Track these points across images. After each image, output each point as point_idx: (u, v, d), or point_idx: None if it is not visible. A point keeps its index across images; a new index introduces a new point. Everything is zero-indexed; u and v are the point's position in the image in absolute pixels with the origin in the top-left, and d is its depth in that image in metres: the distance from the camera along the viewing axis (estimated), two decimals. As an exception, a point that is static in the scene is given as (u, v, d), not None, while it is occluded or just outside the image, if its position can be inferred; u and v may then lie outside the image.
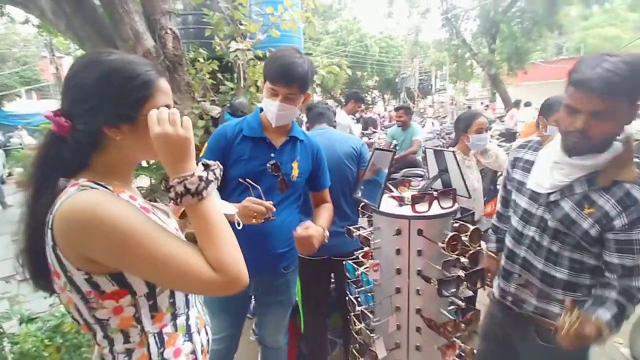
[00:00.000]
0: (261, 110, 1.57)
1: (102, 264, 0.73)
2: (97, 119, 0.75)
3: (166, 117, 0.75)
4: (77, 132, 0.75)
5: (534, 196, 1.21)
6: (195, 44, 4.38)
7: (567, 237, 1.13)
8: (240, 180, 1.44)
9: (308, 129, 2.44)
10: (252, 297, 1.76)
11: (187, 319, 0.89)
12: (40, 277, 0.79)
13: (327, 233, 1.46)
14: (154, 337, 0.82)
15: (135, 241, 0.70)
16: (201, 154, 1.59)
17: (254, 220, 1.28)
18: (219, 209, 0.79)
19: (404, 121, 4.74)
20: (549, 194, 1.16)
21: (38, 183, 0.76)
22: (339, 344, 2.41)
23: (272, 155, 1.50)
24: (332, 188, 1.76)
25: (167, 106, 0.79)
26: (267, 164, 1.45)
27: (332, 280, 2.16)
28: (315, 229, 1.38)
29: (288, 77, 1.39)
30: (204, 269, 0.73)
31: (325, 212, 1.63)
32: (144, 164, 2.94)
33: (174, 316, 0.86)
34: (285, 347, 1.87)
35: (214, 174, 0.79)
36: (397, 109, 4.89)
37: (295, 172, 1.54)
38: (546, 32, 16.51)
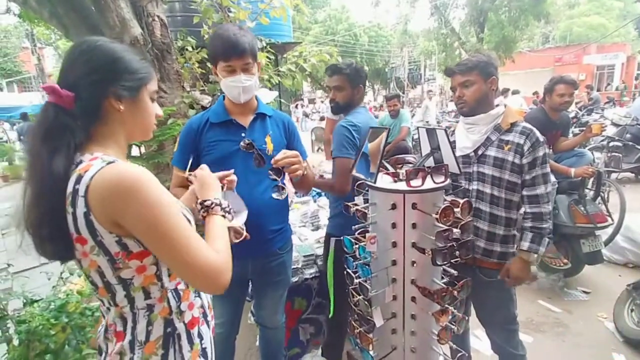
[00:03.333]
0: (223, 98, 1.58)
1: (126, 230, 0.80)
2: (105, 90, 0.84)
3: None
4: (82, 102, 0.82)
5: (466, 160, 1.60)
6: (184, 32, 4.31)
7: (501, 181, 1.53)
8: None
9: None
10: (249, 280, 1.79)
11: None
12: (59, 244, 0.83)
13: (314, 167, 1.47)
14: (172, 293, 0.91)
15: (164, 223, 0.79)
16: (174, 149, 1.61)
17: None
18: (223, 225, 0.97)
19: (396, 110, 4.79)
20: (475, 150, 1.57)
21: (49, 155, 0.79)
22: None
23: (243, 135, 1.52)
24: None
25: (156, 91, 0.96)
26: (241, 143, 1.45)
27: None
28: (290, 151, 1.41)
29: (239, 49, 1.41)
30: (205, 260, 0.82)
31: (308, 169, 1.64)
32: (136, 153, 2.93)
33: None
34: (283, 326, 1.91)
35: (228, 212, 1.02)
36: (389, 98, 4.90)
37: (270, 146, 1.55)
38: (533, 21, 16.63)
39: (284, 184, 1.61)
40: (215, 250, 0.86)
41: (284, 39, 6.18)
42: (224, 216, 0.99)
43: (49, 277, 1.57)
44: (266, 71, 5.15)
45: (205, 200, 1.00)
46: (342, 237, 1.90)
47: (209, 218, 0.97)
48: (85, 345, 1.41)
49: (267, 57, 5.16)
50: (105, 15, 3.21)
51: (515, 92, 10.48)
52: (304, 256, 2.20)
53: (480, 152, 1.56)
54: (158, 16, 3.47)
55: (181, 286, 0.93)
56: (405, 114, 5.05)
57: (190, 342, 0.93)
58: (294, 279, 2.09)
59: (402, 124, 4.68)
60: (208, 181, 1.07)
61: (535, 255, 1.54)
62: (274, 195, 1.53)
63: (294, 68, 5.68)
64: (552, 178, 2.88)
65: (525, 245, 1.54)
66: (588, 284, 3.16)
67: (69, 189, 0.79)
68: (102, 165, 0.79)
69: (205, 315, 1.00)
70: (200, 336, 0.96)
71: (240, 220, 1.28)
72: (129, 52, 0.89)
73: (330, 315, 2.10)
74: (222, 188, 1.18)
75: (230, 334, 1.72)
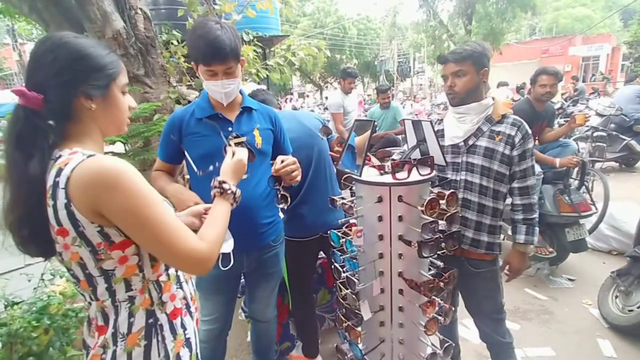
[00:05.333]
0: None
1: (108, 220, 0.81)
2: (73, 90, 0.83)
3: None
4: (51, 103, 0.81)
5: (455, 150, 1.59)
6: (168, 26, 4.22)
7: (490, 171, 1.53)
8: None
9: None
10: (242, 275, 1.79)
11: (177, 270, 1.00)
12: (40, 242, 0.84)
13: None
14: (153, 284, 0.92)
15: (147, 210, 0.80)
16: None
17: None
18: (226, 213, 1.01)
19: (386, 103, 4.78)
20: (466, 140, 1.57)
21: (23, 161, 0.80)
22: (327, 319, 2.48)
23: (230, 129, 1.50)
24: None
25: (127, 84, 0.94)
26: (228, 137, 1.43)
27: (319, 256, 2.21)
28: (284, 156, 1.45)
29: (220, 54, 1.36)
30: (191, 247, 0.85)
31: None
32: (121, 150, 2.87)
33: (167, 266, 0.96)
34: (274, 320, 1.91)
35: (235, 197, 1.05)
36: (382, 92, 4.86)
37: (258, 140, 1.54)
38: (520, 13, 16.76)
39: (278, 219, 1.62)
40: (203, 237, 0.89)
41: (271, 32, 6.12)
42: (232, 204, 1.03)
43: (29, 279, 1.54)
44: (253, 65, 5.10)
45: (224, 182, 1.03)
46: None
47: (218, 200, 1.02)
48: (70, 346, 1.39)
49: (255, 50, 5.10)
50: (86, 9, 3.13)
51: (503, 84, 10.58)
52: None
53: (470, 142, 1.56)
54: (141, 9, 3.39)
55: (162, 278, 0.94)
56: (399, 108, 5.08)
57: (174, 332, 0.94)
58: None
59: (398, 118, 4.69)
60: (239, 167, 1.11)
61: (532, 246, 1.56)
62: (280, 206, 1.57)
63: (282, 62, 5.63)
64: (538, 169, 2.93)
65: (521, 238, 1.57)
66: (573, 272, 3.24)
67: (49, 182, 0.79)
68: (82, 158, 0.79)
69: (188, 306, 1.01)
70: (183, 326, 0.97)
71: (227, 248, 1.30)
72: (96, 47, 0.87)
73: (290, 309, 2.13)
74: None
75: (222, 330, 1.72)
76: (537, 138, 3.18)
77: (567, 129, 3.28)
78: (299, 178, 1.46)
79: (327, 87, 27.57)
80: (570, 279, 3.14)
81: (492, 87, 9.98)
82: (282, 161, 1.43)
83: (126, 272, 0.87)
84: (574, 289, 3.00)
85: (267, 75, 5.37)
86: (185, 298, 1.00)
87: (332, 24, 23.57)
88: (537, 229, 1.57)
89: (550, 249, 3.01)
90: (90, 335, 0.91)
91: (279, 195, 1.54)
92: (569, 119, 3.23)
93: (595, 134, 5.20)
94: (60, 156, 0.81)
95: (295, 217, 1.92)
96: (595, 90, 9.67)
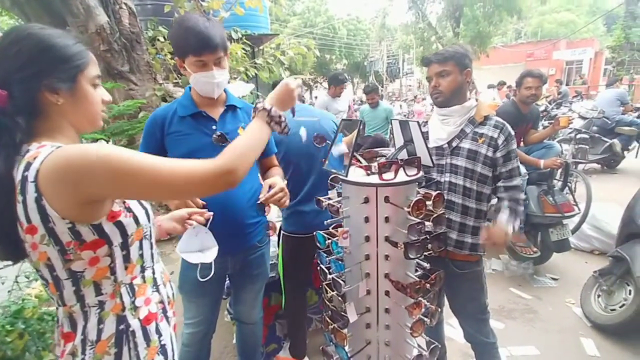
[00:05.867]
0: (190, 89, 1.53)
1: (97, 202, 0.78)
2: (37, 84, 0.78)
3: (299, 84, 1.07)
4: (16, 99, 0.77)
5: (439, 152, 1.60)
6: (154, 22, 4.14)
7: (474, 173, 1.55)
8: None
9: None
10: (227, 277, 1.76)
11: (153, 272, 0.96)
12: (8, 245, 0.80)
13: (285, 182, 1.51)
14: (126, 288, 0.88)
15: (133, 160, 0.76)
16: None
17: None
18: (261, 139, 0.97)
19: (374, 102, 4.85)
20: (450, 142, 1.58)
21: None
22: (315, 320, 2.46)
23: (214, 127, 1.47)
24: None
25: (98, 76, 0.89)
26: (213, 136, 1.42)
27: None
28: (272, 180, 1.44)
29: (211, 44, 1.35)
30: (195, 164, 0.82)
31: (278, 170, 1.68)
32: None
33: (143, 268, 0.92)
34: (260, 322, 1.88)
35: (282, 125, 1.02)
36: (368, 92, 4.95)
37: None
38: (506, 17, 17.04)
39: (263, 219, 1.62)
40: (224, 155, 0.85)
41: (260, 31, 6.07)
42: (282, 131, 1.02)
43: (3, 282, 1.48)
44: (242, 63, 5.05)
45: (277, 114, 0.99)
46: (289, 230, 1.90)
47: (259, 123, 0.98)
48: (47, 351, 1.34)
49: (243, 49, 5.05)
50: (69, 3, 3.04)
51: (490, 87, 10.75)
52: (279, 253, 2.18)
53: (454, 145, 1.57)
54: (125, 4, 3.32)
55: (137, 281, 0.90)
56: (388, 107, 5.14)
57: (147, 339, 0.89)
58: (271, 274, 2.07)
59: (390, 118, 4.75)
60: (285, 93, 1.05)
61: (510, 232, 1.54)
62: (268, 234, 1.60)
63: (271, 60, 5.58)
64: (523, 170, 2.97)
65: (503, 217, 1.56)
66: (556, 271, 3.30)
67: (17, 177, 0.75)
68: (51, 150, 0.75)
69: (165, 310, 0.97)
70: (158, 332, 0.92)
71: (210, 257, 1.27)
72: (62, 37, 0.82)
73: (283, 308, 2.12)
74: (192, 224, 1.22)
75: (206, 333, 1.68)
76: (522, 140, 3.23)
77: (551, 131, 3.34)
78: (287, 203, 1.45)
79: (316, 86, 27.56)
80: (553, 278, 3.19)
81: (483, 89, 10.12)
82: (270, 187, 1.42)
83: (96, 274, 0.82)
84: (557, 288, 3.06)
85: (256, 74, 5.32)
86: (162, 302, 0.96)
87: (322, 24, 23.57)
88: (518, 222, 1.56)
89: (535, 249, 3.06)
90: (57, 343, 0.87)
91: (268, 224, 1.58)
92: (553, 121, 3.29)
93: (578, 136, 5.31)
94: (28, 150, 0.77)
95: (297, 213, 1.92)
96: (578, 94, 9.89)
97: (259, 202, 1.44)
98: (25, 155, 0.77)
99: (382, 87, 24.85)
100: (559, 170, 3.38)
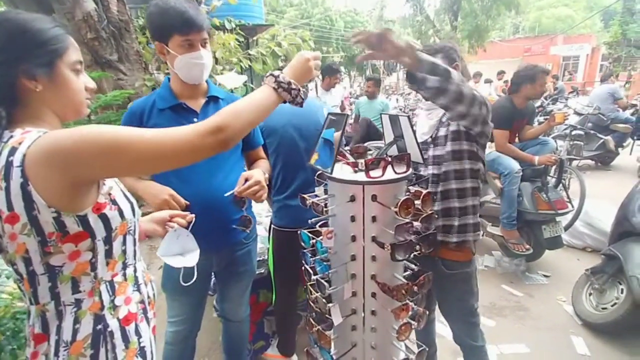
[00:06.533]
0: (169, 80, 1.46)
1: (85, 185, 0.76)
2: (14, 71, 0.76)
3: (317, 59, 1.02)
4: None
5: (424, 146, 1.56)
6: (144, 10, 4.03)
7: (462, 152, 1.48)
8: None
9: None
10: (212, 274, 1.71)
11: (135, 270, 0.93)
12: None
13: (266, 175, 1.46)
14: (106, 285, 0.84)
15: (120, 134, 0.74)
16: None
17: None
18: (266, 107, 0.92)
19: (372, 92, 4.81)
20: (432, 135, 1.54)
21: None
22: (304, 317, 2.43)
23: (195, 120, 1.41)
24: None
25: (80, 62, 0.85)
26: None
27: None
28: (249, 173, 1.38)
29: (197, 22, 1.31)
30: (183, 128, 0.80)
31: (263, 162, 1.63)
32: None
33: (125, 265, 0.89)
34: (247, 319, 1.84)
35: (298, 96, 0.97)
36: (367, 79, 4.99)
37: None
38: (504, 11, 16.96)
39: (250, 214, 1.55)
40: (219, 115, 0.82)
41: (254, 21, 5.95)
42: (280, 97, 0.94)
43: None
44: (235, 54, 4.95)
45: (286, 80, 0.93)
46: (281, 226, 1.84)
47: (264, 87, 0.93)
48: (22, 350, 1.29)
49: (237, 39, 4.94)
50: (53, -12, 2.93)
51: (487, 81, 10.70)
52: (269, 247, 2.13)
53: (434, 135, 1.55)
54: (112, -10, 3.21)
55: (118, 278, 0.87)
56: (385, 101, 5.11)
57: (126, 340, 0.85)
58: (260, 271, 2.03)
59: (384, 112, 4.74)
60: (308, 68, 0.99)
61: (417, 58, 1.20)
62: (242, 229, 1.50)
63: (265, 52, 5.48)
64: (517, 166, 2.94)
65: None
66: (548, 268, 3.29)
67: (1, 163, 0.72)
68: (38, 135, 0.73)
69: (145, 311, 0.93)
70: (138, 334, 0.88)
71: (191, 260, 1.21)
72: (38, 21, 0.79)
73: (273, 304, 2.07)
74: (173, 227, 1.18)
75: (190, 332, 1.64)
76: (517, 135, 3.20)
77: (546, 127, 3.31)
78: (264, 197, 1.39)
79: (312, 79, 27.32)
80: (545, 275, 3.19)
81: (479, 84, 10.07)
82: (246, 180, 1.36)
83: (76, 269, 0.79)
84: (549, 286, 3.05)
85: (250, 66, 5.23)
86: (142, 302, 0.93)
87: (319, 15, 23.30)
88: (436, 86, 1.20)
89: (527, 246, 3.04)
90: (27, 344, 0.82)
91: (243, 219, 1.48)
92: (548, 117, 3.26)
93: (573, 132, 5.29)
94: (12, 136, 0.74)
95: (286, 207, 1.87)
96: (574, 89, 9.87)
97: (228, 194, 1.37)
98: (8, 140, 0.74)
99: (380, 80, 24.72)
100: (554, 167, 3.35)
